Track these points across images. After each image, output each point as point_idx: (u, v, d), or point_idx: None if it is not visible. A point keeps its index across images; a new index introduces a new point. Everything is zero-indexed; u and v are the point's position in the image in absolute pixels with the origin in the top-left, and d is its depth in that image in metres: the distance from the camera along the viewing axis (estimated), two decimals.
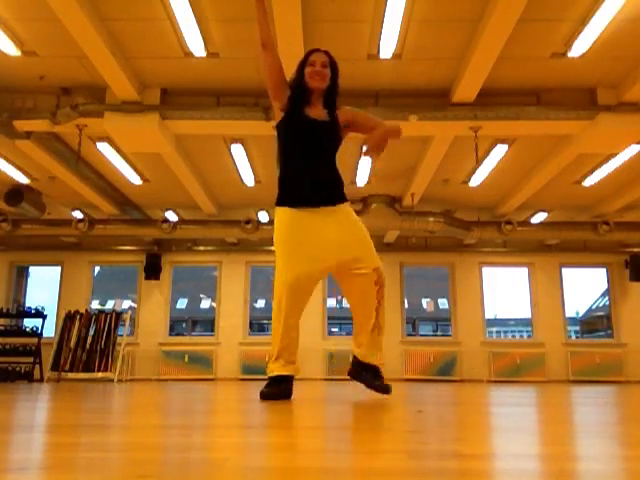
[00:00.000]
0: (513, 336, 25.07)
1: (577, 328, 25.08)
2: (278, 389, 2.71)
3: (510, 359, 10.52)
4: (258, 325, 22.15)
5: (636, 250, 10.71)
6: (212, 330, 11.31)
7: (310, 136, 2.77)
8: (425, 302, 26.16)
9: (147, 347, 10.67)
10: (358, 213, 3.01)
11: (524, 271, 11.35)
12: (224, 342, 10.77)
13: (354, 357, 2.86)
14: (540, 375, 10.37)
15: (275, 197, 2.80)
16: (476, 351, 10.65)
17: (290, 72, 2.87)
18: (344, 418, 1.99)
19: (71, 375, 8.96)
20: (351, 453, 1.15)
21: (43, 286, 14.52)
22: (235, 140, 7.34)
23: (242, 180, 8.71)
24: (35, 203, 9.09)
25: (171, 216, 10.04)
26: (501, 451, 1.22)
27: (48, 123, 6.30)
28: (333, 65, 2.83)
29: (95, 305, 16.15)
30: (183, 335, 19.64)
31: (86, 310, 9.74)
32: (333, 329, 21.01)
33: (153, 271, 10.88)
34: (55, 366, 9.03)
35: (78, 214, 9.98)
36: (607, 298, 12.89)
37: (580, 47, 5.38)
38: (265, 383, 2.78)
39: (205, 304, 24.56)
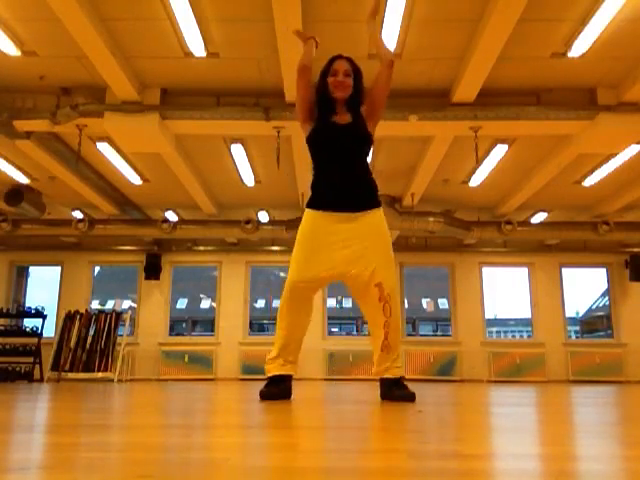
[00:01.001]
0: (513, 336, 25.03)
1: (577, 328, 25.04)
2: (277, 389, 2.72)
3: (510, 359, 10.51)
4: (258, 325, 22.17)
5: (636, 250, 10.70)
6: (212, 330, 11.30)
7: (337, 143, 2.76)
8: (425, 302, 26.15)
9: (147, 347, 10.66)
10: None
11: (524, 271, 11.33)
12: (224, 342, 10.76)
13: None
14: (540, 375, 10.35)
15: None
16: (476, 351, 10.64)
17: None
18: (344, 418, 1.99)
19: (71, 375, 8.95)
20: (351, 453, 1.15)
21: (43, 286, 14.50)
22: (235, 140, 7.33)
23: (242, 180, 8.70)
24: (35, 203, 9.08)
25: (171, 216, 10.04)
26: (501, 451, 1.22)
27: (48, 123, 6.30)
28: (356, 72, 2.82)
29: (95, 305, 16.12)
30: (183, 335, 19.61)
31: (86, 310, 9.73)
32: (333, 329, 21.02)
33: (153, 271, 10.87)
34: (55, 366, 9.03)
35: (78, 214, 9.97)
36: (607, 298, 12.88)
37: (580, 47, 5.37)
38: (264, 383, 2.79)
39: (205, 304, 24.54)
